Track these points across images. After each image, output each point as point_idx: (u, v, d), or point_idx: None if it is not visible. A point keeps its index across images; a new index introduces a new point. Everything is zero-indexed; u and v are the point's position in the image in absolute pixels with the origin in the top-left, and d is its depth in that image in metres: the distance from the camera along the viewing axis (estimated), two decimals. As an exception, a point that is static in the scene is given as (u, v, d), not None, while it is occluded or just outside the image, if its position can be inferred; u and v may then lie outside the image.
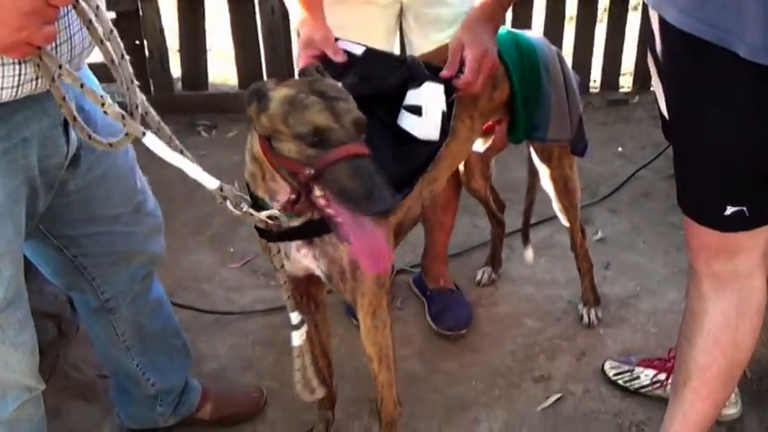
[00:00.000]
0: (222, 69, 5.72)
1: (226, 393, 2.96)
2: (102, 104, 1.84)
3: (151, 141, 1.89)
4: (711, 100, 2.05)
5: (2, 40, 1.63)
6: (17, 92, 1.80)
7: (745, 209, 2.12)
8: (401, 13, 3.01)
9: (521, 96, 2.70)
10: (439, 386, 3.10)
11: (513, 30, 2.84)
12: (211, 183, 1.96)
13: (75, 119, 1.92)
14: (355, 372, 2.93)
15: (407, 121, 2.37)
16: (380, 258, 2.04)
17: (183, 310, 3.43)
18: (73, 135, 2.09)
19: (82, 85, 1.83)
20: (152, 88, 4.90)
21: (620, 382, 3.03)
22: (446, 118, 2.40)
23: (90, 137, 1.92)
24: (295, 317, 2.50)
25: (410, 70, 2.45)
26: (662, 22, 2.10)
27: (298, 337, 2.52)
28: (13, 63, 1.75)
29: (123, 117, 1.86)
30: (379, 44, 2.80)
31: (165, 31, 5.05)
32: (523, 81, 2.69)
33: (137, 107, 1.92)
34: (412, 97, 2.40)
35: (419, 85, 2.40)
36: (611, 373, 3.06)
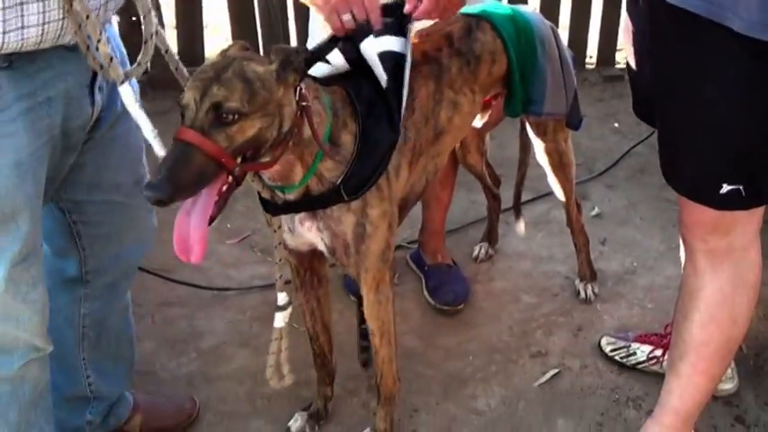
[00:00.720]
0: (219, 46, 5.67)
1: (157, 405, 2.87)
2: (99, 41, 1.87)
3: (125, 91, 1.95)
4: (704, 77, 2.02)
5: None
6: (42, 32, 1.80)
7: (741, 187, 2.09)
8: None
9: (518, 71, 2.70)
10: (436, 362, 3.10)
11: (510, 5, 2.83)
12: (159, 149, 2.00)
13: (87, 47, 1.91)
14: (353, 348, 2.93)
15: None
16: (187, 249, 2.03)
17: (181, 287, 3.44)
18: (98, 97, 2.09)
19: (99, 40, 1.87)
20: (149, 64, 4.82)
21: (616, 357, 3.02)
22: (392, 59, 2.37)
23: (102, 67, 1.94)
24: (282, 297, 2.53)
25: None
26: (657, 7, 2.07)
27: (281, 319, 2.55)
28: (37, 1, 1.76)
29: (111, 60, 1.91)
30: None
31: (161, 8, 5.00)
32: (520, 56, 2.69)
33: (152, 36, 2.01)
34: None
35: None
36: (607, 349, 3.06)
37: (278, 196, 2.30)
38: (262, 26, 5.00)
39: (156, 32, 2.10)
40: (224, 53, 2.11)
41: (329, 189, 2.26)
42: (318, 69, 2.37)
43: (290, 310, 2.55)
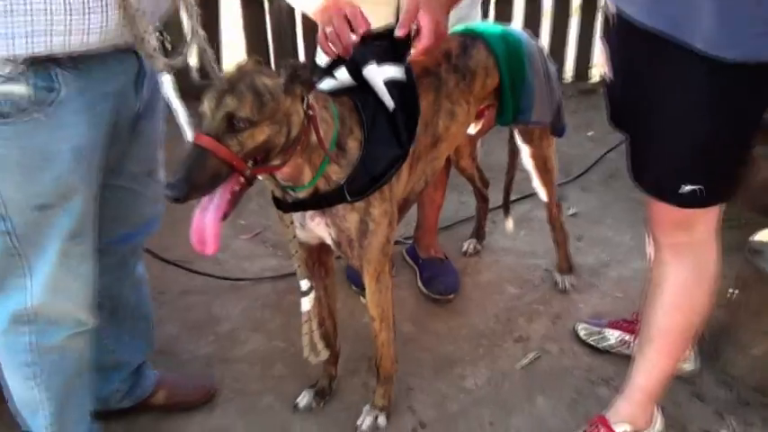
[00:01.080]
0: (234, 60, 5.69)
1: (179, 382, 2.88)
2: (146, 31, 1.92)
3: (166, 79, 2.02)
4: (669, 89, 2.07)
5: None
6: (101, 36, 1.84)
7: (700, 188, 2.14)
8: (399, 9, 2.95)
9: (508, 84, 2.72)
10: (429, 345, 3.12)
11: (501, 25, 2.86)
12: (190, 136, 2.04)
13: (142, 40, 1.94)
14: (354, 333, 2.95)
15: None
16: (203, 242, 2.05)
17: (200, 276, 3.46)
18: (143, 92, 2.13)
19: (146, 31, 1.91)
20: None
21: (590, 342, 3.06)
22: (395, 86, 2.38)
23: (152, 55, 1.97)
24: (305, 284, 2.55)
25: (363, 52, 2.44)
26: (620, 18, 2.13)
27: (307, 303, 2.57)
28: (101, 10, 1.81)
29: (155, 50, 1.95)
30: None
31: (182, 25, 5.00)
32: (510, 71, 2.71)
33: (193, 32, 2.10)
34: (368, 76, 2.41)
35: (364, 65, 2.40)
36: (582, 334, 3.10)
37: (289, 195, 2.32)
38: (273, 42, 5.01)
39: (198, 32, 2.14)
40: (239, 67, 2.14)
41: (336, 190, 2.29)
42: (327, 83, 2.40)
43: (313, 294, 2.57)
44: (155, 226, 2.57)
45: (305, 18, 4.52)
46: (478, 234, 3.71)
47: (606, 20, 2.28)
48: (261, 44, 4.94)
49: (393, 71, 2.37)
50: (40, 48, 1.80)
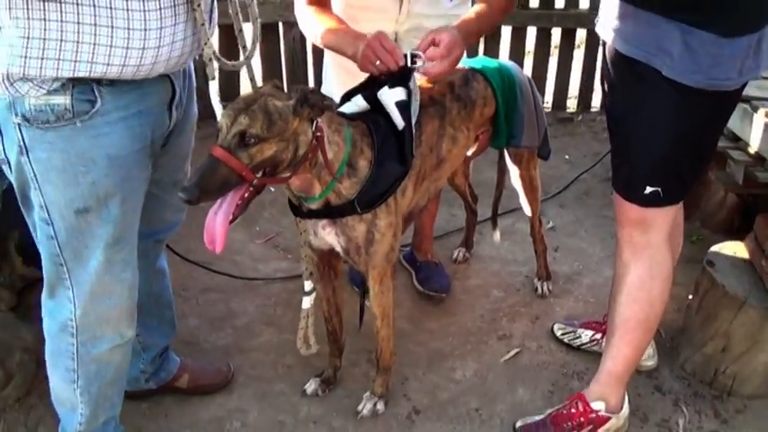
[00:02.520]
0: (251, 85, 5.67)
1: (201, 367, 2.90)
2: (207, 41, 2.01)
3: (213, 86, 2.11)
4: (641, 105, 2.21)
5: None
6: (139, 66, 1.88)
7: (660, 189, 2.28)
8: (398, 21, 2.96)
9: (503, 112, 2.80)
10: (423, 341, 3.17)
11: (497, 59, 2.96)
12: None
13: (214, 54, 2.05)
14: (355, 329, 2.98)
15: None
16: (213, 240, 2.09)
17: (220, 276, 3.51)
18: (174, 113, 2.15)
19: (206, 42, 2.01)
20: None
21: (565, 340, 3.13)
22: (404, 107, 2.43)
23: (219, 58, 2.07)
24: (308, 285, 2.64)
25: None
26: (611, 49, 2.26)
27: (308, 302, 2.67)
28: (157, 27, 1.85)
29: (214, 53, 2.04)
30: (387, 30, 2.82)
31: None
32: (505, 100, 2.80)
33: (240, 31, 2.18)
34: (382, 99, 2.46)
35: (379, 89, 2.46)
36: (558, 333, 3.16)
37: (304, 205, 2.38)
38: (287, 70, 5.03)
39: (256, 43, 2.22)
40: (257, 89, 2.19)
41: (345, 203, 2.33)
42: (347, 107, 2.47)
43: (314, 294, 2.63)
44: (175, 227, 2.59)
45: (315, 48, 4.56)
46: (467, 243, 3.74)
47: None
48: (276, 71, 4.96)
49: (402, 93, 2.42)
50: (83, 73, 1.83)
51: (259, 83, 2.30)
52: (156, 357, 2.74)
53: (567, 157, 4.80)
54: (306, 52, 4.97)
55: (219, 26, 3.33)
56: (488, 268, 3.70)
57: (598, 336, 3.05)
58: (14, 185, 2.02)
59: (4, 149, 1.96)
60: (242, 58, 2.26)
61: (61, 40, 1.78)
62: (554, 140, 5.00)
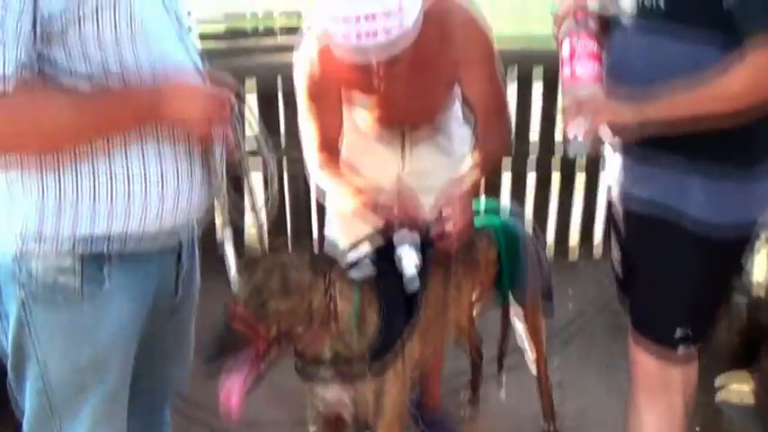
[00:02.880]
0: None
1: None
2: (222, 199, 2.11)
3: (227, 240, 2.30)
4: (666, 262, 2.31)
5: (192, 113, 1.89)
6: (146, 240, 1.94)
7: (688, 332, 2.35)
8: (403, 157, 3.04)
9: (507, 272, 2.92)
10: None
11: (499, 216, 3.04)
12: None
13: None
14: None
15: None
16: (229, 403, 2.12)
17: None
18: (180, 287, 2.20)
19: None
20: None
21: None
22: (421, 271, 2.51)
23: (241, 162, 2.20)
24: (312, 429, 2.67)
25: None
26: (627, 213, 2.39)
27: None
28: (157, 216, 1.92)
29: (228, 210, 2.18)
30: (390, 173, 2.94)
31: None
32: (509, 260, 2.91)
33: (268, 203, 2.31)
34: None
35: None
36: None
37: (312, 365, 2.41)
38: (291, 221, 5.06)
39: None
40: (273, 254, 2.32)
41: (355, 359, 2.38)
42: (355, 272, 2.54)
43: None
44: (178, 389, 2.59)
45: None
46: (473, 389, 3.74)
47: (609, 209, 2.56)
48: (280, 223, 4.99)
49: (418, 259, 2.51)
50: (99, 231, 1.88)
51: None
52: None
53: (570, 306, 4.80)
54: (309, 198, 4.97)
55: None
56: (494, 412, 3.70)
57: None
58: (8, 336, 2.01)
59: (2, 303, 1.99)
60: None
61: (76, 205, 1.86)
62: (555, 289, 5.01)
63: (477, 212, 2.92)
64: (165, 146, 1.92)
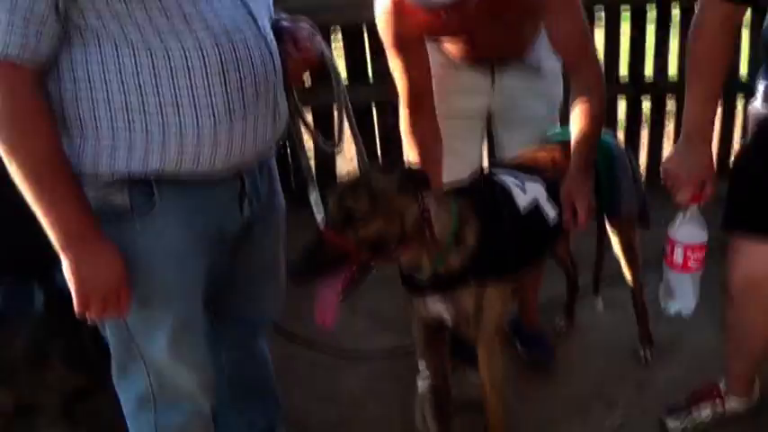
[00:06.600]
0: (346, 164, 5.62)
1: None
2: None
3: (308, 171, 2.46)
4: None
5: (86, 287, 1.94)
6: (213, 152, 1.99)
7: None
8: (489, 121, 3.28)
9: (603, 184, 2.99)
10: (528, 411, 3.28)
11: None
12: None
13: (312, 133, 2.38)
14: (461, 406, 3.08)
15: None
16: (324, 316, 2.28)
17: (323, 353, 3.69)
18: (247, 208, 2.24)
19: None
20: (293, 184, 4.89)
21: (688, 428, 3.15)
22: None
23: (320, 142, 2.41)
24: (422, 365, 2.83)
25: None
26: None
27: (422, 384, 2.84)
28: (211, 125, 1.95)
29: (316, 134, 2.43)
30: (467, 153, 3.19)
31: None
32: (604, 172, 2.99)
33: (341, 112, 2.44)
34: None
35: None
36: (674, 426, 3.16)
37: (415, 278, 2.55)
38: (381, 152, 5.18)
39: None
40: (363, 171, 2.45)
41: (454, 275, 2.50)
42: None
43: (427, 375, 2.80)
44: (271, 318, 2.74)
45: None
46: (569, 313, 3.92)
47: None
48: (370, 154, 4.81)
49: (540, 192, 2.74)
50: (137, 169, 1.94)
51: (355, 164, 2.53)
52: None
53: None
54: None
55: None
56: (590, 336, 3.83)
57: (718, 403, 3.13)
58: None
59: None
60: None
61: (113, 144, 1.92)
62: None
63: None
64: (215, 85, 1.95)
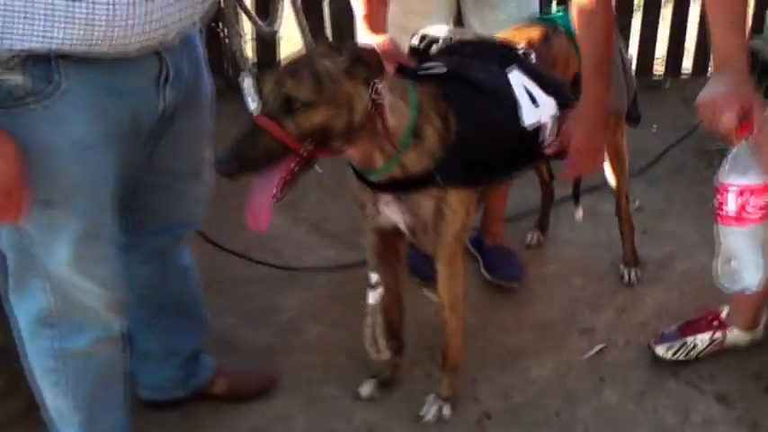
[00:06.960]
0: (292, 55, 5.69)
1: (240, 372, 2.90)
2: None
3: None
4: None
5: None
6: (128, 32, 1.81)
7: None
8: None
9: None
10: (493, 337, 3.15)
11: None
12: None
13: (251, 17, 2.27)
14: (417, 323, 2.99)
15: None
16: (256, 219, 2.13)
17: (258, 267, 3.51)
18: (168, 91, 2.09)
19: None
20: (230, 70, 4.72)
21: (680, 358, 2.97)
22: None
23: (256, 22, 2.27)
24: (374, 276, 2.63)
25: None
26: None
27: (374, 296, 2.65)
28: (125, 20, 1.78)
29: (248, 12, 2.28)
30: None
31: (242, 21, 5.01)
32: None
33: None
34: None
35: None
36: (668, 356, 2.97)
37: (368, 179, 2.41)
38: (332, 30, 4.94)
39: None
40: (307, 50, 2.23)
41: (412, 177, 2.35)
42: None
43: (380, 289, 2.63)
44: (196, 223, 2.62)
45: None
46: (542, 225, 3.74)
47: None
48: (319, 33, 4.92)
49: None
50: (36, 46, 1.78)
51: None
52: (187, 362, 2.74)
53: (654, 129, 4.68)
54: (353, 19, 4.91)
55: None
56: (566, 253, 3.68)
57: (718, 334, 2.97)
58: None
59: None
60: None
61: (4, 12, 1.74)
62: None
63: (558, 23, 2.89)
64: None
